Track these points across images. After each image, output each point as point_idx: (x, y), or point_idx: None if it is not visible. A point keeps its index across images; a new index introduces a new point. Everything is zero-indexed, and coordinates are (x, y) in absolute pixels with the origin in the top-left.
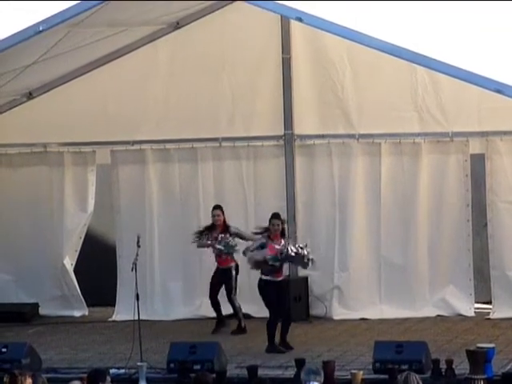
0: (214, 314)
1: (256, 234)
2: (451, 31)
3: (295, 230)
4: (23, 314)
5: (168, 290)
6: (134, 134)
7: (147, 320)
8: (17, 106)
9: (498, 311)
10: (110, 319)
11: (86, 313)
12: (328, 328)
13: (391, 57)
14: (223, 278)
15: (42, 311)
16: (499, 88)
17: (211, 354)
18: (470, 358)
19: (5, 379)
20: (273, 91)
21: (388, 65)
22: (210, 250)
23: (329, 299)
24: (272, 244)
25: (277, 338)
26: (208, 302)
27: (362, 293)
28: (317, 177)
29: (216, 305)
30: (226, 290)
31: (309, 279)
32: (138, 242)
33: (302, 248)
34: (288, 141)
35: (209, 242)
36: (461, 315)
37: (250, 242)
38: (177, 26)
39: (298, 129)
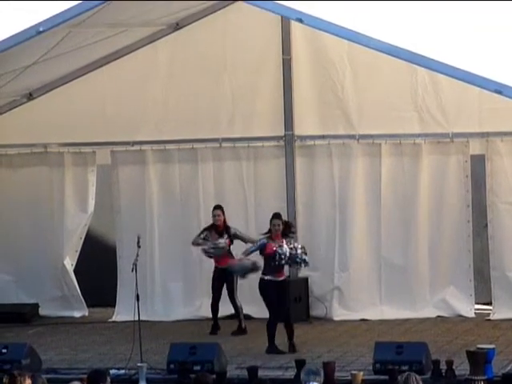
0: None
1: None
2: (450, 31)
3: (295, 230)
4: (23, 315)
5: (168, 291)
6: (135, 135)
7: (147, 321)
8: (17, 106)
9: (498, 312)
10: (110, 320)
11: (86, 313)
12: (328, 329)
13: (391, 57)
14: (224, 278)
15: (42, 312)
16: (499, 89)
17: (211, 355)
18: (471, 359)
19: (4, 380)
20: (273, 92)
21: (388, 65)
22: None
23: (329, 300)
24: (272, 244)
25: (278, 340)
26: (208, 302)
27: (363, 293)
28: (317, 177)
29: (216, 311)
30: (227, 289)
31: (309, 280)
32: (139, 242)
33: (295, 248)
34: (288, 141)
35: (200, 241)
36: (461, 316)
37: (249, 244)
38: (176, 26)
39: (299, 129)
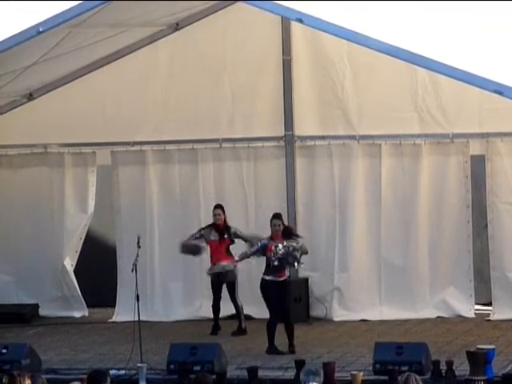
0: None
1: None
2: (450, 31)
3: (297, 233)
4: (23, 315)
5: (168, 291)
6: (135, 135)
7: (147, 321)
8: (17, 106)
9: (498, 312)
10: (110, 320)
11: (86, 314)
12: (328, 329)
13: (391, 57)
14: (222, 278)
15: (42, 312)
16: (499, 89)
17: (211, 356)
18: (470, 360)
19: (4, 380)
20: (273, 92)
21: (388, 66)
22: (209, 251)
23: (329, 300)
24: (273, 244)
25: (278, 341)
26: (208, 303)
27: (362, 294)
28: (317, 178)
29: (217, 311)
30: (228, 289)
31: (309, 280)
32: (139, 242)
33: (289, 247)
34: (288, 142)
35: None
36: (461, 316)
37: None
38: (177, 27)
39: (299, 130)
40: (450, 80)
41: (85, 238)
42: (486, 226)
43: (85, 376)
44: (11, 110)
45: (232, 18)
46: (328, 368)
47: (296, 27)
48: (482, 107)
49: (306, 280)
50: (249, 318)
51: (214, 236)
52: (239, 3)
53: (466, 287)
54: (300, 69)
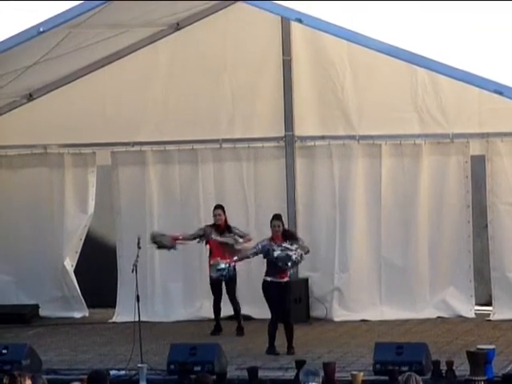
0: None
1: None
2: (450, 31)
3: (296, 231)
4: (23, 316)
5: (168, 291)
6: (135, 136)
7: (147, 321)
8: (17, 107)
9: (498, 313)
10: (110, 320)
11: (87, 314)
12: (328, 329)
13: (391, 58)
14: (222, 278)
15: (42, 312)
16: (499, 89)
17: (211, 356)
18: (471, 360)
19: (4, 381)
20: (273, 92)
21: (388, 66)
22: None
23: (329, 301)
24: (274, 246)
25: (278, 341)
26: (208, 303)
27: (363, 294)
28: (317, 178)
29: (218, 311)
30: (228, 289)
31: (309, 281)
32: (139, 243)
33: (286, 248)
34: (288, 142)
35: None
36: (461, 316)
37: (251, 244)
38: (177, 27)
39: (299, 130)
40: (450, 80)
41: (85, 239)
42: (486, 226)
43: (85, 376)
44: (11, 110)
45: (232, 19)
46: (328, 368)
47: (296, 27)
48: (482, 107)
49: (306, 280)
50: (248, 318)
51: (214, 236)
52: (239, 3)
53: (466, 287)
54: (300, 69)
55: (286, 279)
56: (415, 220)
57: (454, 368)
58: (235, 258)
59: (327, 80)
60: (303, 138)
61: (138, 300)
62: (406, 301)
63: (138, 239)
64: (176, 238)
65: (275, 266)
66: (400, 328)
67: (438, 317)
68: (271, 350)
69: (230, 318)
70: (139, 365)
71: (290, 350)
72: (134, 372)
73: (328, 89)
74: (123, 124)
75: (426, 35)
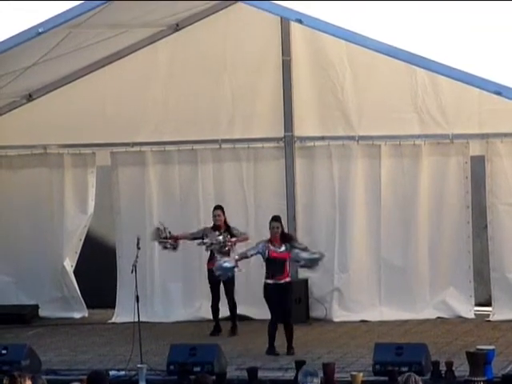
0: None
1: None
2: (449, 32)
3: (295, 231)
4: (23, 316)
5: (168, 292)
6: (134, 136)
7: (147, 322)
8: (17, 107)
9: (497, 313)
10: (109, 321)
11: (86, 314)
12: (328, 330)
13: (391, 58)
14: (218, 278)
15: (42, 313)
16: (498, 90)
17: (211, 356)
18: (470, 360)
19: (4, 381)
20: (273, 93)
21: (388, 66)
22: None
23: (329, 301)
24: (273, 248)
25: (278, 341)
26: (208, 303)
27: (362, 295)
28: (317, 178)
29: (217, 312)
30: (227, 290)
31: (309, 281)
32: (138, 243)
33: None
34: (288, 143)
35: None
36: (461, 317)
37: (250, 245)
38: (177, 27)
39: (298, 131)
40: (450, 81)
41: (84, 239)
42: (486, 226)
43: (84, 377)
44: (11, 110)
45: (232, 19)
46: (328, 369)
47: (295, 28)
48: (481, 108)
49: (305, 281)
50: (248, 319)
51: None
52: (239, 4)
53: (465, 288)
54: (299, 69)
55: (287, 279)
56: (415, 220)
57: (453, 368)
58: (236, 257)
59: (327, 80)
60: (303, 139)
61: (138, 300)
62: (405, 301)
63: (138, 240)
64: (176, 238)
65: (275, 268)
66: (400, 328)
67: (438, 317)
68: (271, 350)
69: (229, 318)
70: (139, 365)
71: (290, 350)
72: (133, 372)
73: (327, 89)
74: (123, 124)
75: (425, 35)
